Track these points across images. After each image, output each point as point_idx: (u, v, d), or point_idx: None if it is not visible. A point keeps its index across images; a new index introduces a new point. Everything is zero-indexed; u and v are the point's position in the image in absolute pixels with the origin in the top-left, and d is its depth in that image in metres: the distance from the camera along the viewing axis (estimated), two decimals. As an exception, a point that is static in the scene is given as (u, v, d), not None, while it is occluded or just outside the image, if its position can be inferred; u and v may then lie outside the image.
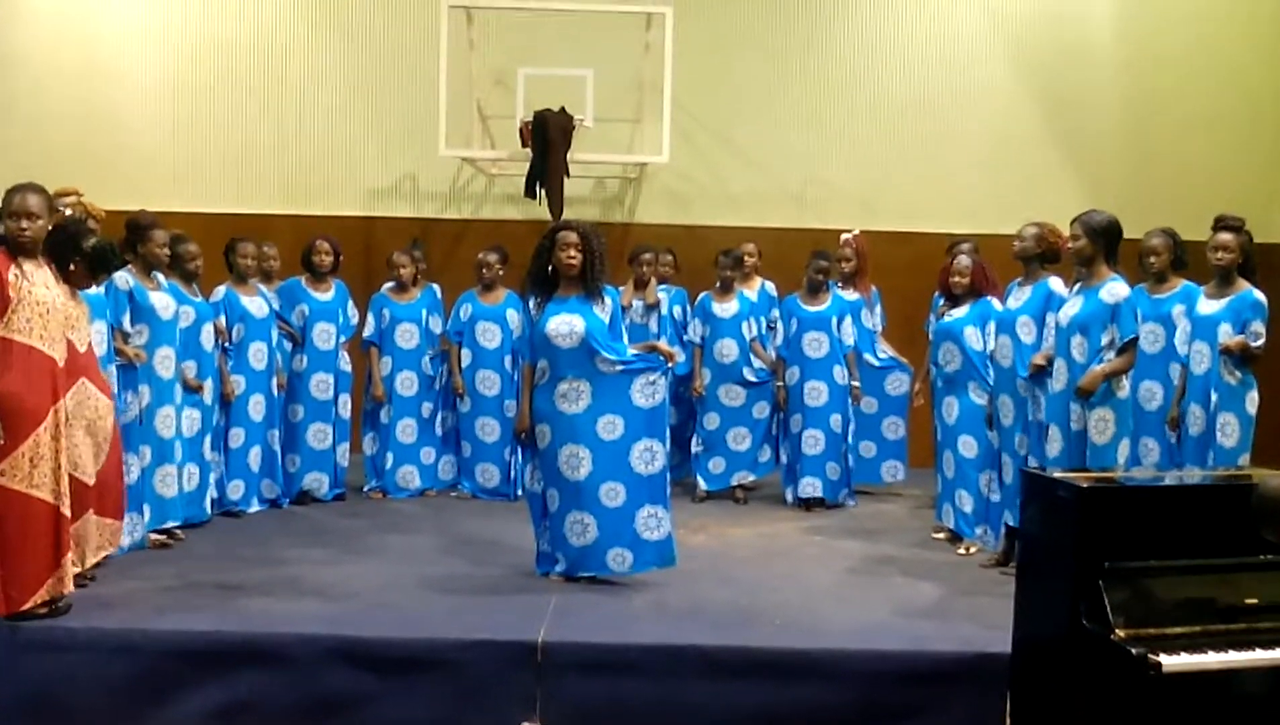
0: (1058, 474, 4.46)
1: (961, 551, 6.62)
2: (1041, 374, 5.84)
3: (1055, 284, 6.09)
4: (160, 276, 6.57)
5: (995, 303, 6.56)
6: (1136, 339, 5.60)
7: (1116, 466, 5.42)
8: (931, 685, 4.73)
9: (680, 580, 5.73)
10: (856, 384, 7.92)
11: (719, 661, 4.75)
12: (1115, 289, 5.59)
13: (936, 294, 7.85)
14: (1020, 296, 6.23)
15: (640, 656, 4.76)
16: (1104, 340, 5.55)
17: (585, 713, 4.70)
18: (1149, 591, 3.99)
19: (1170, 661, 3.76)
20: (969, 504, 6.60)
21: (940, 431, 6.88)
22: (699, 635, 4.92)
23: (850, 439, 7.95)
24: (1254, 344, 5.91)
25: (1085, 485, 4.17)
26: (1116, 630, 3.86)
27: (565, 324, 5.65)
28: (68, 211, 5.86)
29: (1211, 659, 3.82)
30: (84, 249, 5.25)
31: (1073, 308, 5.68)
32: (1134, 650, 3.79)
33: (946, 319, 6.80)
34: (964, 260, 6.79)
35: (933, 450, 7.85)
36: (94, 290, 5.83)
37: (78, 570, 5.19)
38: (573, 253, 5.72)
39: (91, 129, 9.80)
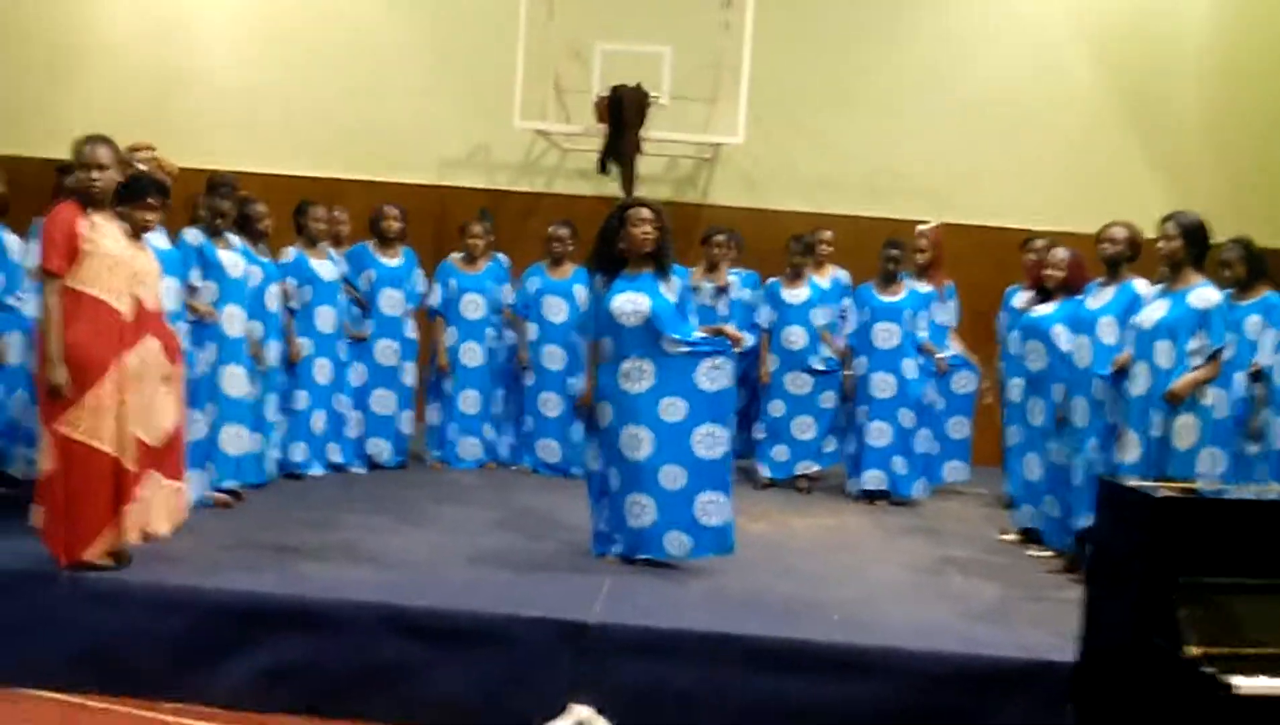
0: (1133, 482, 4.32)
1: (1033, 553, 6.46)
2: (1121, 376, 5.67)
3: (1140, 285, 5.90)
4: (231, 236, 6.58)
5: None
6: (1223, 348, 5.41)
7: (1197, 474, 5.25)
8: (989, 691, 4.59)
9: (738, 568, 5.66)
10: (942, 356, 7.78)
11: (771, 653, 4.66)
12: (1206, 294, 5.40)
13: (1009, 289, 7.70)
14: (1102, 296, 6.02)
15: (692, 643, 4.68)
16: (1191, 346, 5.36)
17: (633, 696, 4.63)
18: (1223, 609, 3.85)
19: (1244, 684, 3.62)
20: (1056, 510, 6.31)
21: (1024, 433, 6.66)
22: (753, 625, 4.82)
23: (927, 430, 7.83)
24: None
25: (1160, 495, 4.04)
26: (1187, 647, 3.72)
27: (630, 302, 5.57)
28: (141, 166, 5.88)
29: (1288, 683, 3.68)
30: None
31: (1158, 311, 5.49)
32: (1205, 670, 3.65)
33: (1033, 314, 6.54)
34: (1060, 252, 6.49)
35: (997, 448, 7.69)
36: (165, 245, 5.85)
37: (160, 535, 5.20)
38: (648, 229, 5.62)
39: (168, 89, 9.92)
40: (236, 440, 6.50)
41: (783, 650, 4.67)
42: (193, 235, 6.39)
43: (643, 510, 5.57)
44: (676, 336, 5.54)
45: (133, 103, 9.59)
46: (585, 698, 4.62)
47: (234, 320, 6.48)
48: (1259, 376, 6.12)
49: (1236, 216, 7.30)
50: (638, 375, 5.56)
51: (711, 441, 5.56)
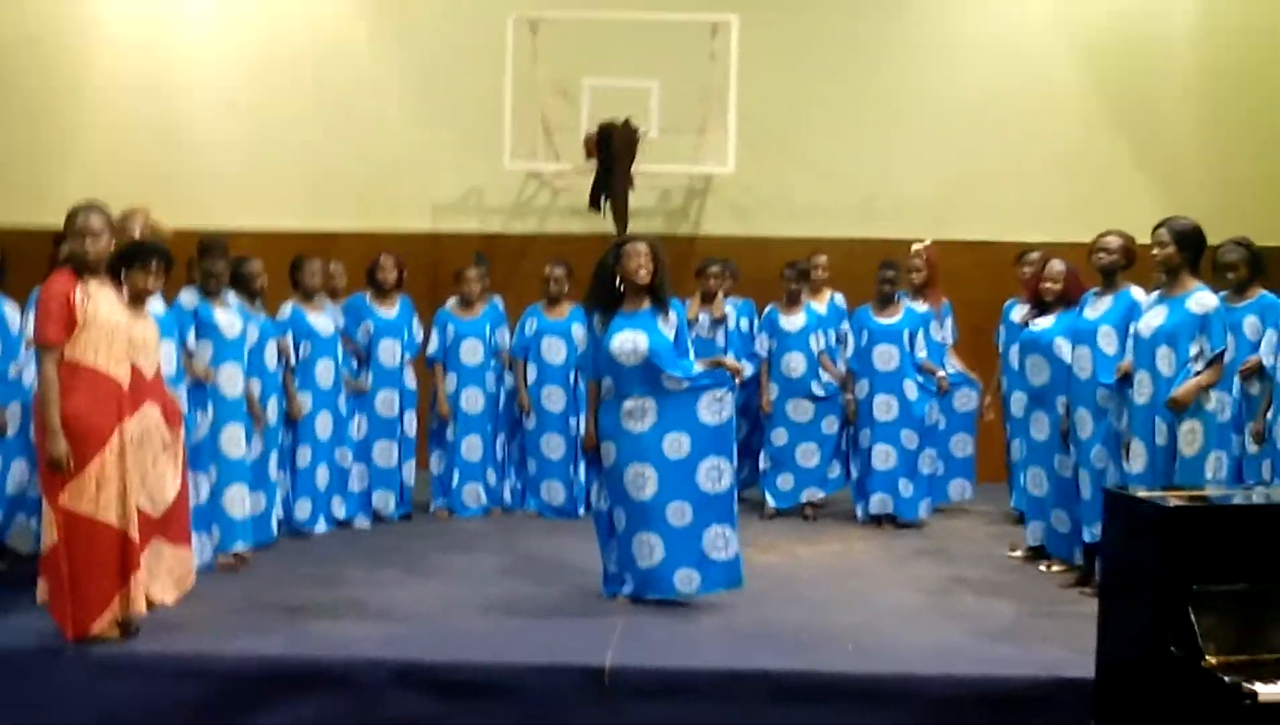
0: (1142, 493, 4.28)
1: (1043, 568, 6.42)
2: (1125, 384, 5.64)
3: (1137, 293, 5.88)
4: (227, 295, 6.58)
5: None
6: (1224, 351, 5.38)
7: (1206, 479, 5.21)
8: (1007, 711, 4.57)
9: (748, 601, 5.63)
10: (943, 374, 7.74)
11: (788, 686, 4.64)
12: (1203, 299, 5.38)
13: (1007, 303, 7.68)
14: (1099, 306, 6.00)
15: (707, 681, 4.66)
16: (1192, 351, 5.34)
17: (652, 738, 4.61)
18: (1241, 616, 3.82)
19: (1266, 690, 3.58)
20: (1065, 524, 6.27)
21: (1026, 448, 6.61)
22: (767, 659, 4.81)
23: (932, 450, 7.77)
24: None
25: (1172, 504, 4.00)
26: (1207, 657, 3.69)
27: (629, 341, 5.56)
28: (136, 231, 5.88)
29: (1311, 688, 3.64)
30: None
31: (1156, 318, 5.47)
32: (1226, 678, 3.61)
33: (1034, 328, 6.47)
34: (1058, 265, 6.47)
35: (1002, 465, 7.65)
36: (160, 309, 5.84)
37: (166, 604, 5.17)
38: (644, 262, 5.63)
39: (160, 148, 9.89)
40: (240, 502, 6.44)
41: (797, 682, 4.65)
42: (188, 297, 6.39)
43: (651, 549, 5.54)
44: (676, 373, 5.53)
45: (128, 168, 9.56)
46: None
47: (232, 380, 6.46)
48: (1258, 374, 6.10)
49: (1229, 219, 7.28)
50: (640, 414, 5.55)
51: (716, 475, 5.56)
